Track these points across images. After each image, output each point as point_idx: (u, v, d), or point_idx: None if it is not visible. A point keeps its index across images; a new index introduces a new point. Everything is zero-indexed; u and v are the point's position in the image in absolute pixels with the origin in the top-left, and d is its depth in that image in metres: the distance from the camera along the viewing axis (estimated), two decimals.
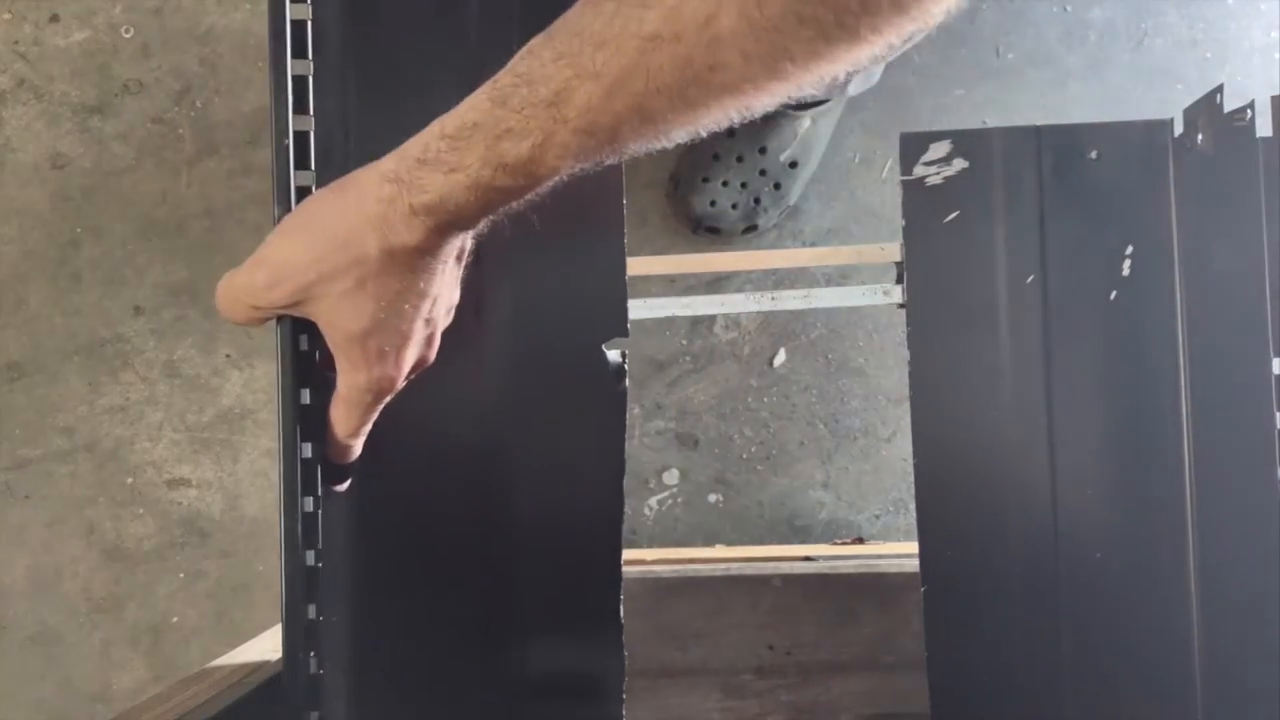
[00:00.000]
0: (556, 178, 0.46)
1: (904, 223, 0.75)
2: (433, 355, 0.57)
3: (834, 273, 1.19)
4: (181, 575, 1.26)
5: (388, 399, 0.56)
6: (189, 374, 1.26)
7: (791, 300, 0.80)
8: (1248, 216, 0.72)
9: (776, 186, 1.18)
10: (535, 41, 0.44)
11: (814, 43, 0.39)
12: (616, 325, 0.66)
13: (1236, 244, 0.72)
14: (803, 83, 0.42)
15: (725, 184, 1.18)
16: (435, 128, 0.46)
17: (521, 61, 0.44)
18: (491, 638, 0.67)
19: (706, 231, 1.20)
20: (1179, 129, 0.75)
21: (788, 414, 1.22)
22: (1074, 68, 1.24)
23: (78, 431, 1.26)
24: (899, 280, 0.77)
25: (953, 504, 0.75)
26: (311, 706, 0.61)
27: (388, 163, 0.48)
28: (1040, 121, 0.76)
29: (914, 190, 0.75)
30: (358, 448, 0.58)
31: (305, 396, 0.57)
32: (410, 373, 0.56)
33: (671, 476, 1.24)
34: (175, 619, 1.26)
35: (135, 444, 1.26)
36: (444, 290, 0.53)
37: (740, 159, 1.17)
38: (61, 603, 1.26)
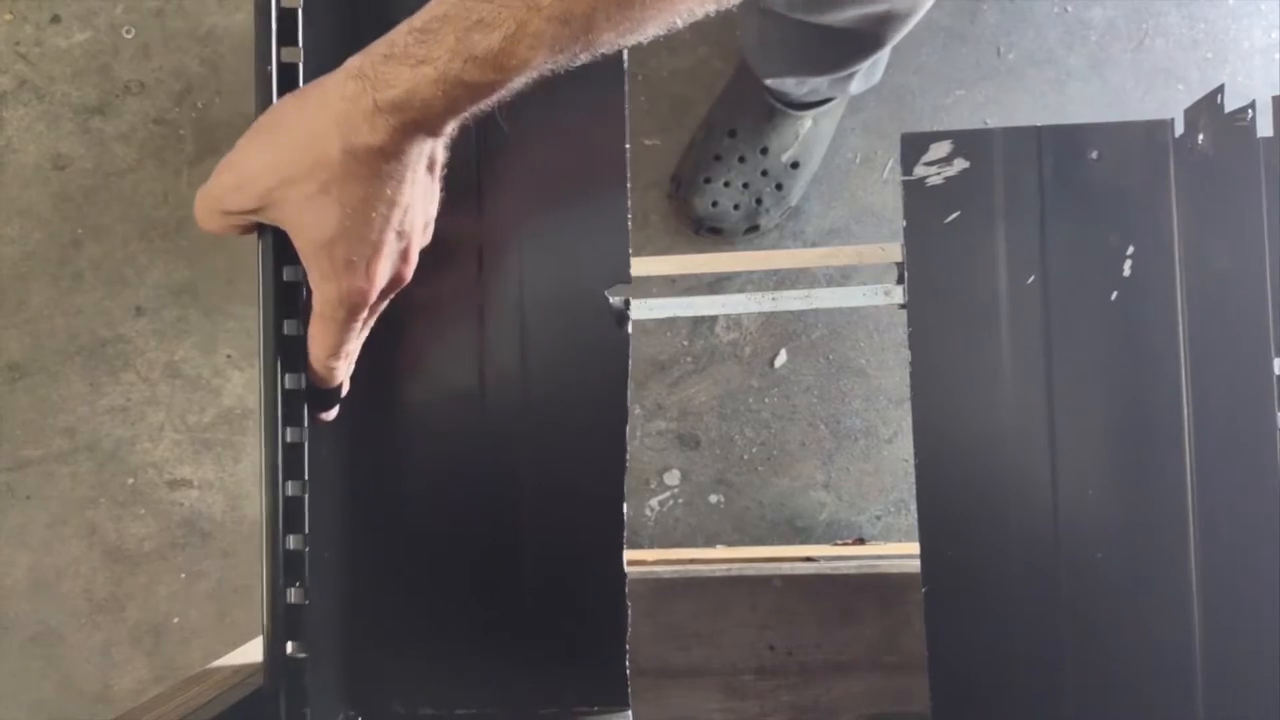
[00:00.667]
0: (526, 74, 0.45)
1: (905, 223, 0.75)
2: (408, 273, 0.54)
3: (835, 273, 1.19)
4: (183, 576, 1.26)
5: (363, 317, 0.53)
6: (190, 374, 1.26)
7: (792, 301, 0.80)
8: (1249, 217, 0.72)
9: (778, 187, 1.18)
10: None
11: None
12: (619, 272, 0.66)
13: (1237, 244, 0.72)
14: None
15: (727, 184, 1.18)
16: (403, 25, 0.45)
17: None
18: (493, 605, 0.67)
19: (709, 232, 1.20)
20: (1180, 129, 0.75)
21: (789, 414, 1.22)
22: (1075, 68, 1.24)
23: (79, 432, 1.26)
24: (900, 280, 0.77)
25: (954, 504, 0.75)
26: (292, 637, 0.60)
27: (353, 60, 0.46)
28: (1041, 122, 0.76)
29: (915, 190, 0.75)
30: (340, 371, 0.56)
31: (288, 327, 0.55)
32: (387, 290, 0.53)
33: (673, 477, 1.24)
34: (176, 619, 1.26)
35: (136, 444, 1.26)
36: (416, 201, 0.51)
37: (742, 159, 1.17)
38: (62, 603, 1.26)
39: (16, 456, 1.26)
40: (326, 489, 0.65)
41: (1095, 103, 1.23)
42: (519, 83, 0.46)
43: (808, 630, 0.95)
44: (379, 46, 0.46)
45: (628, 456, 0.66)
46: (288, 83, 0.54)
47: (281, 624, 0.60)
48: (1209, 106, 0.73)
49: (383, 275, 0.52)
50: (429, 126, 0.47)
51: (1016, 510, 0.75)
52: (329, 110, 0.46)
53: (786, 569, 0.97)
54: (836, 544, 1.10)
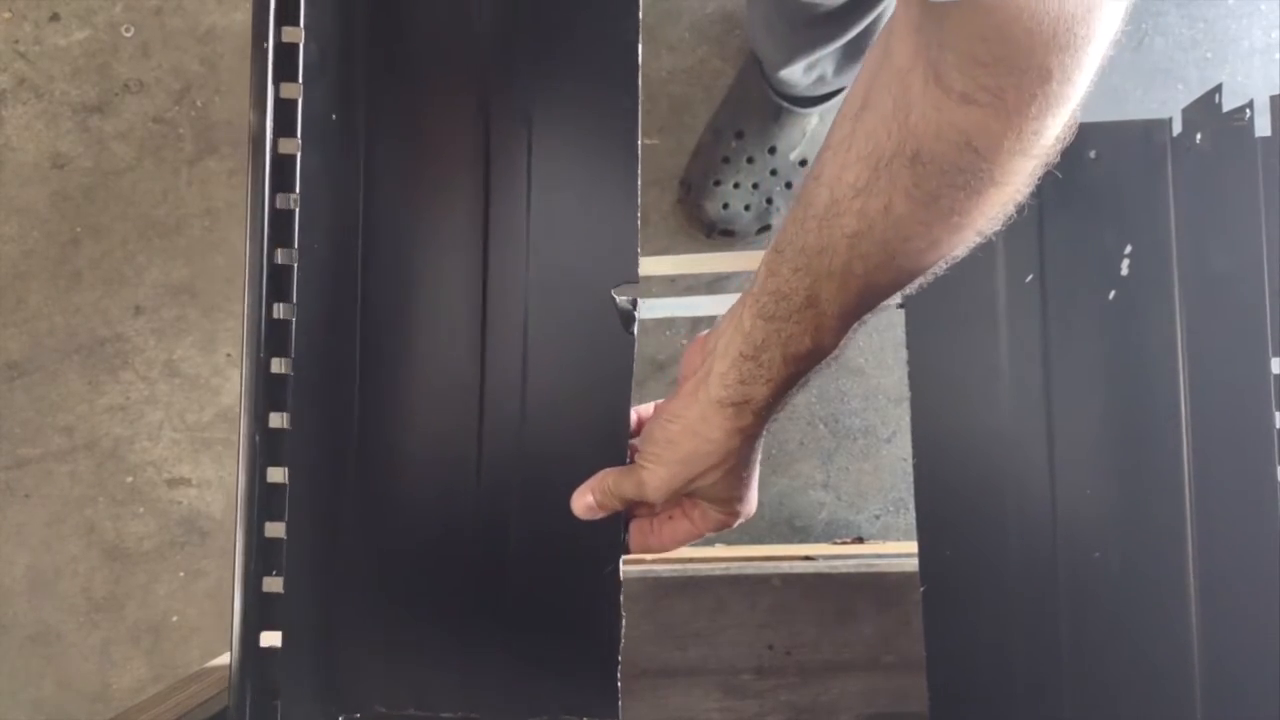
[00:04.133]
0: (838, 350, 0.56)
1: None
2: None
3: None
4: (181, 574, 1.26)
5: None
6: (189, 373, 1.26)
7: None
8: (1246, 216, 0.72)
9: (788, 185, 1.18)
10: (770, 260, 0.55)
11: (967, 199, 0.48)
12: (626, 270, 0.66)
13: (1235, 243, 0.72)
14: (982, 225, 0.50)
15: (737, 186, 1.18)
16: (728, 360, 0.57)
17: (770, 281, 0.54)
18: (482, 608, 0.66)
19: (721, 235, 1.20)
20: (1178, 128, 0.75)
21: (788, 414, 1.22)
22: None
23: (78, 431, 1.26)
24: None
25: (952, 504, 0.75)
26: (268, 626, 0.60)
27: (715, 392, 0.58)
28: None
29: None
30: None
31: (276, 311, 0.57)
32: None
33: None
34: (175, 618, 1.26)
35: (135, 443, 1.26)
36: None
37: (751, 160, 1.17)
38: (61, 602, 1.26)
39: (15, 455, 1.26)
40: (312, 482, 0.64)
41: (1094, 102, 1.23)
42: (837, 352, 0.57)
43: (806, 629, 0.95)
44: (730, 374, 0.57)
45: (629, 459, 0.65)
46: (285, 63, 0.55)
47: (255, 611, 0.59)
48: (1207, 106, 0.73)
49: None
50: (771, 412, 0.59)
51: (1015, 510, 0.75)
52: (716, 428, 0.59)
53: (785, 568, 0.97)
54: (835, 543, 1.10)
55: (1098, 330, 0.74)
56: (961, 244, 0.51)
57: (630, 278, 0.67)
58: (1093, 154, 0.75)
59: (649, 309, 0.81)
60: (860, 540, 1.13)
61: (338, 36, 0.64)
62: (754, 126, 1.16)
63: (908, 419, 0.75)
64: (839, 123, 0.52)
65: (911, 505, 0.88)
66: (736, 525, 0.64)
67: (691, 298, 1.12)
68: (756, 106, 1.15)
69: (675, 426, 0.60)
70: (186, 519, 1.26)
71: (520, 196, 0.66)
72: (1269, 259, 0.71)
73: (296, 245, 0.63)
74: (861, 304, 0.54)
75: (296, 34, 0.60)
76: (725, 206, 1.18)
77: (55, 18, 1.26)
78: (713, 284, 1.23)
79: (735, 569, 0.97)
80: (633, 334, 0.67)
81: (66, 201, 1.25)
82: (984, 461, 0.75)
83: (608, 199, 0.66)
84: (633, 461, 0.64)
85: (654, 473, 0.61)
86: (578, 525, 0.64)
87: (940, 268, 0.53)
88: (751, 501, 0.64)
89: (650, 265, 0.84)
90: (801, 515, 1.23)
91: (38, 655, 1.26)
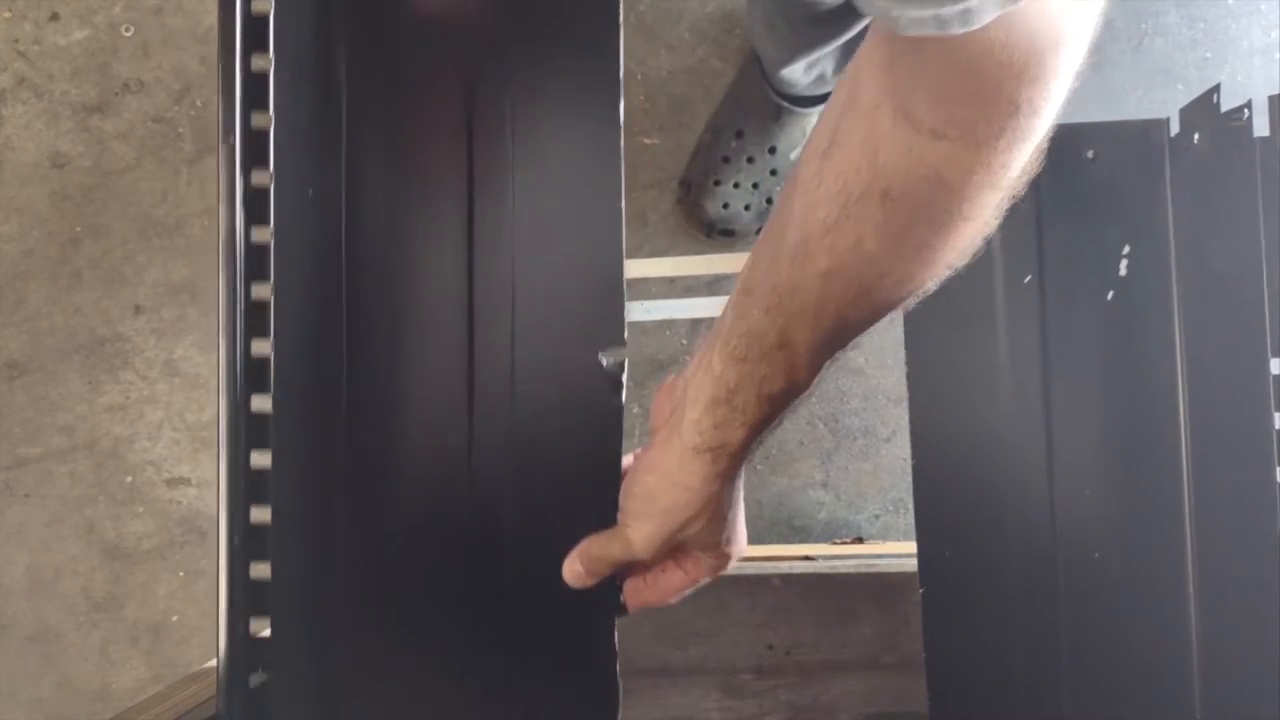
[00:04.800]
0: (812, 388, 0.56)
1: None
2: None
3: None
4: (181, 574, 1.26)
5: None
6: (189, 373, 1.26)
7: None
8: (1245, 216, 0.72)
9: None
10: (738, 302, 0.55)
11: (937, 234, 0.48)
12: (614, 331, 0.64)
13: (1234, 244, 0.72)
14: (952, 259, 0.51)
15: (737, 186, 1.18)
16: (707, 401, 0.56)
17: (739, 322, 0.54)
18: (479, 646, 0.65)
19: (721, 235, 1.20)
20: (1176, 128, 0.75)
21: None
22: None
23: (77, 430, 1.26)
24: None
25: (951, 504, 0.75)
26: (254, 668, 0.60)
27: (689, 438, 0.57)
28: None
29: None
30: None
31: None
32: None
33: None
34: (175, 618, 1.26)
35: (135, 443, 1.26)
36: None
37: (751, 160, 1.17)
38: (61, 602, 1.26)
39: (15, 455, 1.26)
40: (300, 516, 0.64)
41: (1094, 102, 1.23)
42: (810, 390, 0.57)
43: (806, 629, 0.95)
44: (704, 420, 0.56)
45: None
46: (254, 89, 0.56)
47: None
48: (1205, 106, 0.73)
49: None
50: (747, 453, 0.59)
51: (1014, 510, 0.75)
52: (693, 475, 0.58)
53: (785, 568, 0.97)
54: (835, 543, 1.10)
55: (1096, 331, 0.74)
56: (932, 277, 0.52)
57: (616, 339, 0.64)
58: (1091, 154, 0.75)
59: (649, 310, 0.81)
60: (860, 540, 1.13)
61: (312, 52, 0.64)
62: (754, 126, 1.16)
63: (907, 419, 0.75)
64: (806, 160, 0.52)
65: (911, 505, 0.88)
66: (731, 566, 0.64)
67: (691, 298, 1.12)
68: (757, 106, 1.15)
69: (653, 479, 0.60)
70: (186, 519, 1.26)
71: (504, 255, 0.64)
72: (1268, 259, 0.71)
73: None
74: (834, 341, 0.54)
75: (265, 60, 0.60)
76: (725, 206, 1.18)
77: (55, 17, 1.26)
78: (713, 284, 1.23)
79: (734, 569, 0.97)
80: (621, 398, 0.64)
81: (66, 201, 1.26)
82: (983, 462, 0.75)
83: (593, 210, 0.64)
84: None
85: (638, 530, 0.61)
86: (571, 536, 0.63)
87: (910, 303, 0.54)
88: (741, 541, 0.63)
89: (650, 265, 0.84)
90: (801, 515, 1.23)
91: (37, 655, 1.26)
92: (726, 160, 1.18)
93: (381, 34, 0.65)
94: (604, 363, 0.64)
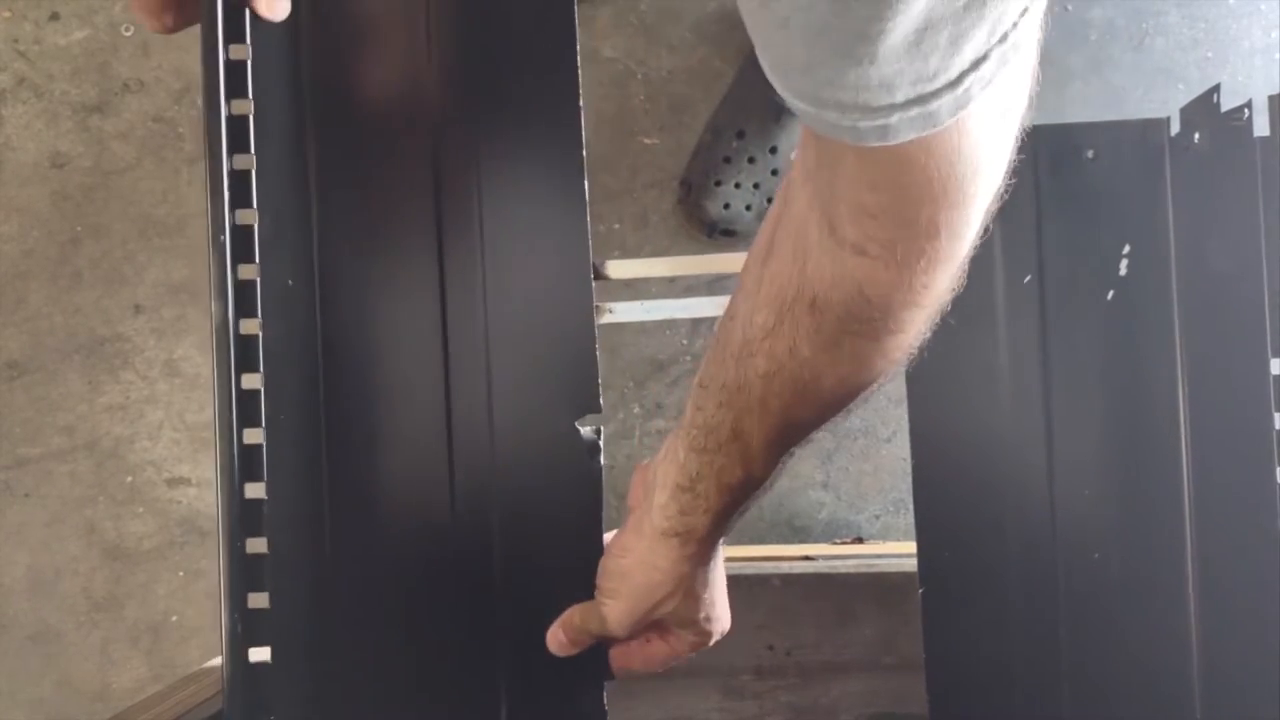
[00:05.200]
0: (773, 475, 0.58)
1: None
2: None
3: None
4: (181, 574, 1.26)
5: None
6: (189, 373, 1.26)
7: None
8: (1245, 216, 0.72)
9: None
10: (696, 395, 0.57)
11: (866, 344, 0.50)
12: (589, 399, 0.64)
13: (1234, 243, 0.72)
14: (886, 366, 0.52)
15: (738, 186, 1.18)
16: (673, 487, 0.58)
17: (697, 415, 0.56)
18: (471, 707, 0.66)
19: (722, 235, 1.20)
20: (1176, 128, 0.75)
21: None
22: (1074, 68, 1.23)
23: (77, 430, 1.26)
24: None
25: (951, 505, 0.75)
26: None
27: (658, 523, 0.59)
28: (1040, 122, 0.76)
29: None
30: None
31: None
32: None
33: None
34: (175, 618, 1.26)
35: (135, 443, 1.26)
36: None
37: (752, 160, 1.17)
38: (61, 601, 1.26)
39: (15, 455, 1.26)
40: (296, 542, 0.65)
41: (1095, 102, 1.23)
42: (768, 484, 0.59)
43: (806, 630, 0.95)
44: (670, 506, 0.58)
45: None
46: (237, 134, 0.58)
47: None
48: (1205, 106, 0.73)
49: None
50: (715, 538, 0.61)
51: (1014, 510, 0.75)
52: (663, 558, 0.60)
53: (785, 568, 0.97)
54: (835, 543, 1.10)
55: (1096, 331, 0.74)
56: (872, 380, 0.53)
57: (592, 407, 0.65)
58: (1090, 154, 0.75)
59: (649, 310, 0.81)
60: (860, 540, 1.13)
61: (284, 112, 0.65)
62: (755, 126, 1.16)
63: (907, 419, 0.75)
64: (749, 265, 0.53)
65: (911, 505, 0.88)
66: (714, 642, 0.65)
67: (691, 298, 1.12)
68: (757, 106, 1.15)
69: (626, 560, 0.62)
70: (186, 519, 1.26)
71: (478, 328, 0.65)
72: (1268, 259, 0.71)
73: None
74: (784, 437, 0.55)
75: (245, 105, 0.61)
76: (726, 206, 1.18)
77: (55, 17, 1.26)
78: (713, 284, 1.23)
79: (735, 569, 0.97)
80: (599, 463, 0.65)
81: (66, 201, 1.25)
82: (983, 462, 0.75)
83: (564, 285, 0.65)
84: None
85: (613, 608, 0.62)
86: (557, 599, 0.64)
87: (858, 402, 0.55)
88: (722, 618, 0.64)
89: (650, 265, 0.83)
90: (801, 515, 1.23)
91: (37, 655, 1.26)
92: (728, 160, 1.17)
93: (350, 130, 0.66)
94: (581, 432, 0.64)
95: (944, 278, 0.47)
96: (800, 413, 0.54)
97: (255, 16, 0.57)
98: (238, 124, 0.63)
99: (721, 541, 0.61)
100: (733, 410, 0.54)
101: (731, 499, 0.58)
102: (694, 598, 0.61)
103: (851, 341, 0.49)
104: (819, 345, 0.50)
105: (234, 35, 0.62)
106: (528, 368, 0.65)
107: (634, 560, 0.61)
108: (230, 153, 0.62)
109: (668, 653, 0.64)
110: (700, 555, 0.60)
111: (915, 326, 0.50)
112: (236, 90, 0.63)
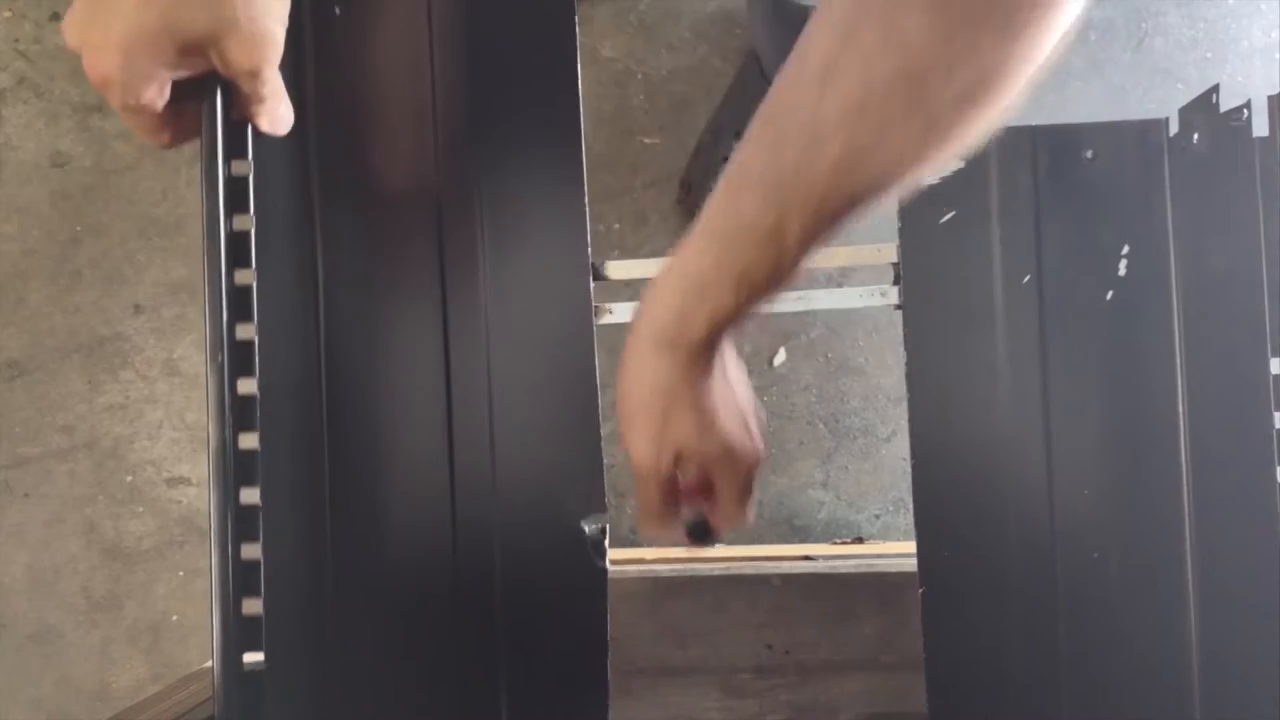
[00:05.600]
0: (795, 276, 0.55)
1: (900, 223, 0.75)
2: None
3: (834, 272, 1.19)
4: (181, 573, 1.26)
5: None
6: (189, 372, 1.26)
7: (787, 301, 0.80)
8: (1244, 216, 0.72)
9: None
10: (731, 192, 0.55)
11: (959, 113, 0.47)
12: (595, 498, 0.64)
13: (1233, 243, 0.72)
14: (967, 139, 0.49)
15: None
16: (663, 302, 0.56)
17: (729, 219, 0.55)
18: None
19: None
20: (1174, 128, 0.75)
21: (787, 413, 1.22)
22: (1074, 68, 1.24)
23: (77, 430, 1.26)
24: (896, 281, 0.77)
25: (950, 504, 0.75)
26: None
27: (648, 333, 0.57)
28: (1039, 122, 0.76)
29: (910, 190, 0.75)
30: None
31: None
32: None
33: None
34: (175, 617, 1.26)
35: (135, 442, 1.26)
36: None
37: None
38: (61, 601, 1.26)
39: (15, 454, 1.26)
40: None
41: (1095, 102, 1.23)
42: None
43: (806, 629, 0.95)
44: (665, 316, 0.56)
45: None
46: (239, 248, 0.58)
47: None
48: (1204, 106, 0.73)
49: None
50: (709, 346, 0.58)
51: (1013, 510, 0.75)
52: (650, 371, 0.57)
53: (785, 568, 0.97)
54: (835, 543, 1.10)
55: (1095, 330, 0.74)
56: (945, 158, 0.52)
57: (598, 506, 0.65)
58: (1089, 154, 0.75)
59: None
60: (860, 540, 1.13)
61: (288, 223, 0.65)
62: None
63: (907, 419, 0.75)
64: (807, 52, 0.52)
65: (911, 505, 0.88)
66: (752, 451, 0.61)
67: None
68: (757, 106, 1.15)
69: (625, 384, 0.60)
70: (186, 518, 1.26)
71: (481, 419, 0.65)
72: (1267, 258, 0.71)
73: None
74: (831, 230, 0.53)
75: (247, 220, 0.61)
76: None
77: (55, 17, 1.26)
78: None
79: (735, 569, 0.97)
80: (605, 562, 0.65)
81: (67, 200, 1.26)
82: (982, 462, 0.75)
83: (571, 426, 0.66)
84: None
85: (631, 441, 0.60)
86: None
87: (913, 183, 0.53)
88: (739, 434, 0.61)
89: (650, 265, 0.83)
90: (801, 515, 1.23)
91: (37, 654, 1.26)
92: (727, 160, 1.17)
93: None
94: (586, 530, 0.65)
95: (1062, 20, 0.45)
96: (861, 197, 0.52)
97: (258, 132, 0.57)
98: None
99: (723, 354, 0.59)
100: (779, 207, 0.53)
101: (748, 296, 0.55)
102: (700, 409, 0.59)
103: (950, 116, 0.48)
104: (912, 121, 0.48)
105: None
106: (535, 471, 0.65)
107: (632, 380, 0.59)
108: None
109: (727, 489, 0.61)
110: (692, 364, 0.57)
111: (1012, 83, 0.47)
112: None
